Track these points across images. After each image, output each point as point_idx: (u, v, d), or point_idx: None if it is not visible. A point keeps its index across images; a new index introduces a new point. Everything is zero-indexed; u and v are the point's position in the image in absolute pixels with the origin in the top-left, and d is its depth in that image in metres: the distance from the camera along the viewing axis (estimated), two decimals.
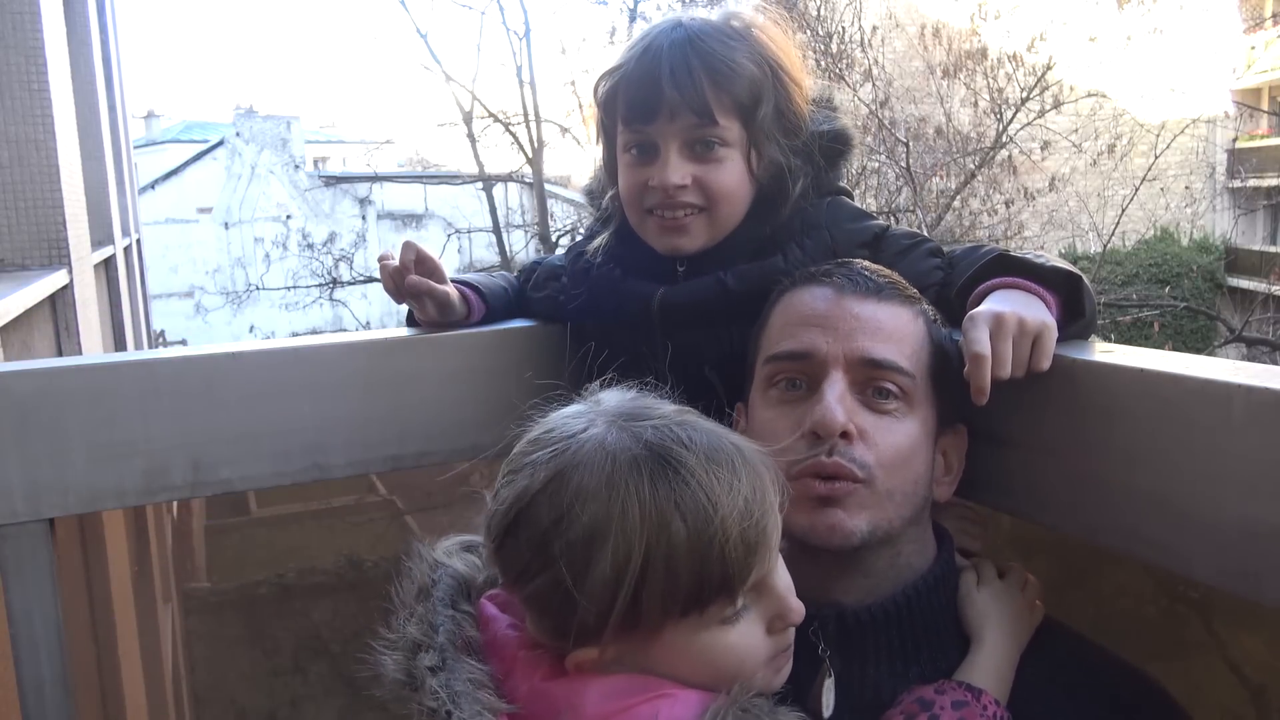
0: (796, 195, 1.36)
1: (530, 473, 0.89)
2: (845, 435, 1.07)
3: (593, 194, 1.52)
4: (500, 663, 0.93)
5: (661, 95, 1.30)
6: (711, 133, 1.31)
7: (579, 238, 1.62)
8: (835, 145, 1.42)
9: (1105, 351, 1.13)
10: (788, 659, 0.95)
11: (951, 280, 1.30)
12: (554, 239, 15.39)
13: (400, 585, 1.01)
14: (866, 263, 1.21)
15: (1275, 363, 9.17)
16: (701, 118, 1.30)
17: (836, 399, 1.08)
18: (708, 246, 1.36)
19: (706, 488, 0.86)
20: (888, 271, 1.20)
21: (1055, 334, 1.12)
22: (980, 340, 1.08)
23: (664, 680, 0.88)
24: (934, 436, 1.14)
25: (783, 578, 0.93)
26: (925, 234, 1.47)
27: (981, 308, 1.13)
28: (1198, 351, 12.36)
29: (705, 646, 0.88)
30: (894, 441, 1.09)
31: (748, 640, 0.90)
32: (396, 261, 1.43)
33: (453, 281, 1.50)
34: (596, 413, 0.93)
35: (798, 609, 0.93)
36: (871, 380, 1.10)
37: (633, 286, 1.40)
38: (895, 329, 1.12)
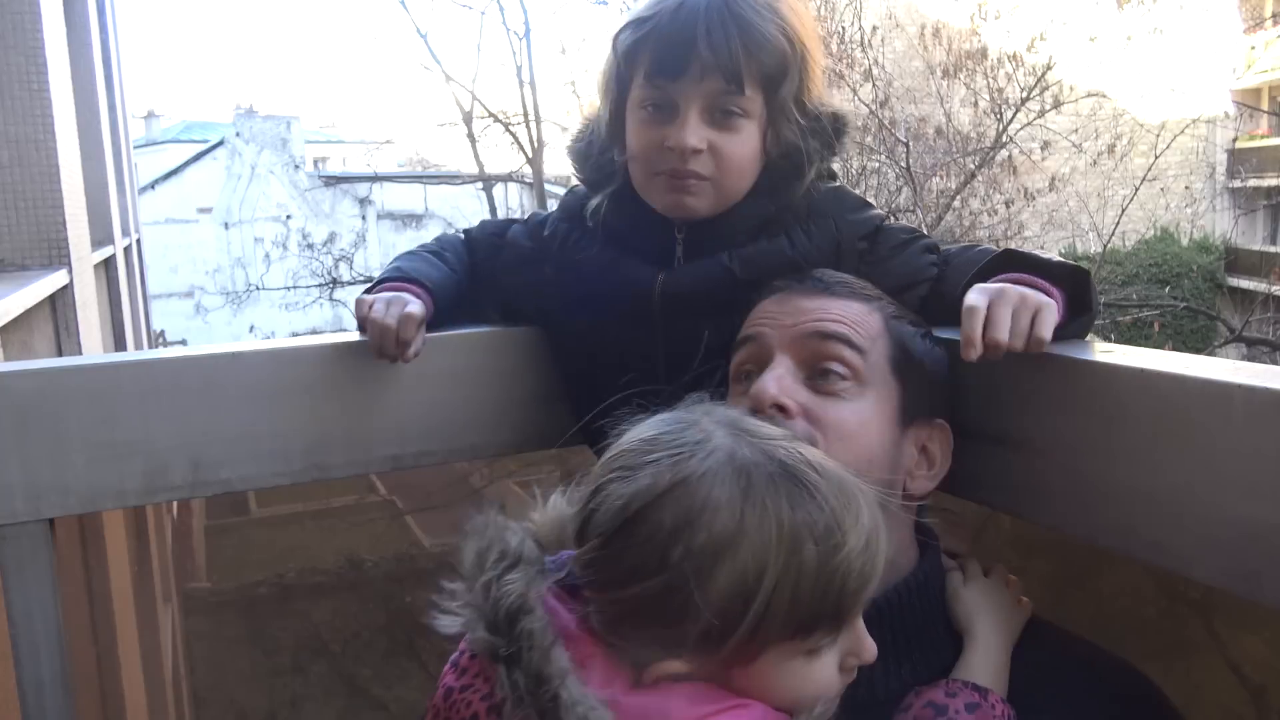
0: (811, 178, 1.35)
1: (653, 473, 0.86)
2: (782, 409, 1.07)
3: (585, 155, 1.44)
4: (573, 651, 0.87)
5: (694, 52, 1.26)
6: (736, 101, 1.29)
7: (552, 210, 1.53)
8: (838, 126, 1.40)
9: (1105, 351, 1.13)
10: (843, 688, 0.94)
11: (945, 275, 1.30)
12: None
13: (474, 545, 0.92)
14: (826, 270, 1.23)
15: (1275, 363, 9.17)
16: (730, 83, 1.27)
17: (774, 378, 1.09)
18: (711, 214, 1.33)
19: (839, 517, 0.84)
20: (844, 275, 1.21)
21: (1056, 314, 1.11)
22: (977, 300, 1.09)
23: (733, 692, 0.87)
24: (897, 425, 1.13)
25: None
26: (924, 231, 1.47)
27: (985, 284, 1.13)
28: (1198, 351, 12.35)
29: (787, 673, 0.87)
30: (840, 416, 1.09)
31: (823, 673, 0.89)
32: (390, 322, 1.34)
33: (402, 282, 1.41)
34: (711, 422, 0.90)
35: (872, 649, 0.92)
36: (819, 357, 1.10)
37: (629, 272, 1.36)
38: (844, 314, 1.13)
